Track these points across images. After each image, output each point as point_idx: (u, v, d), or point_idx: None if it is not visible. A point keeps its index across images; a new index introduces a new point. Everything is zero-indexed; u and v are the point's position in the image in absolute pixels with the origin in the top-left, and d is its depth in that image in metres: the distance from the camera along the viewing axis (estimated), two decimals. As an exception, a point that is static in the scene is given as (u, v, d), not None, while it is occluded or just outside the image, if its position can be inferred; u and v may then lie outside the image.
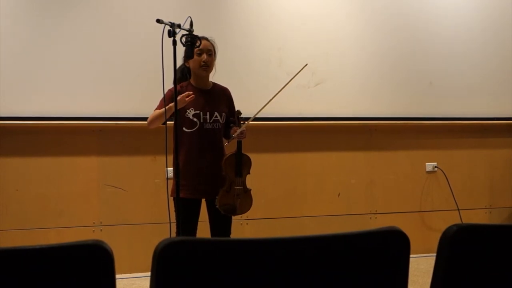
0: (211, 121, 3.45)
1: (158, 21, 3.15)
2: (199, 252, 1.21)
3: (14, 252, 1.18)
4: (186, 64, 3.52)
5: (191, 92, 3.32)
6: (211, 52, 3.47)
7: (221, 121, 3.49)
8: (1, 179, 4.40)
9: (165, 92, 3.34)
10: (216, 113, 3.47)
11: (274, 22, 4.90)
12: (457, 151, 5.40)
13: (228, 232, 3.53)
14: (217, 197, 3.41)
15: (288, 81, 3.56)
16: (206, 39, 3.48)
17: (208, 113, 3.45)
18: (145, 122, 3.50)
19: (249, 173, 3.51)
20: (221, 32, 4.58)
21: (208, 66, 3.45)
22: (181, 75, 3.53)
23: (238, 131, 3.41)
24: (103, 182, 4.58)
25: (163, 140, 3.25)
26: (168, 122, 3.33)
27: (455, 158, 5.39)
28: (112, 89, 4.55)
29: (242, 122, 3.51)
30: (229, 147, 3.57)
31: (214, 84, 3.58)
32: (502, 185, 5.51)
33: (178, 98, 3.24)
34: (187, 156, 3.40)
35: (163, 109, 3.30)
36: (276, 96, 3.49)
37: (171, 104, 3.25)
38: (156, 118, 3.40)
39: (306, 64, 3.62)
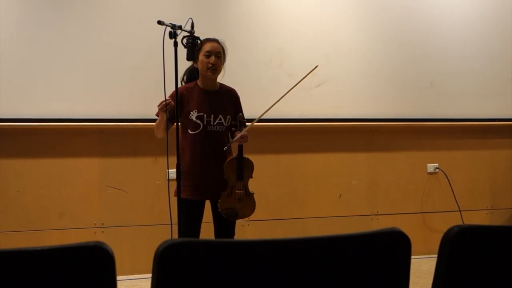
0: (215, 124, 3.43)
1: (159, 22, 3.15)
2: (200, 253, 1.21)
3: (15, 254, 1.18)
4: (195, 65, 3.50)
5: (169, 99, 3.30)
6: (219, 55, 3.45)
7: (225, 123, 3.47)
8: (2, 181, 4.40)
9: (169, 94, 3.34)
10: (220, 116, 3.45)
11: (275, 23, 4.90)
12: (458, 152, 5.40)
13: (232, 233, 3.53)
14: (219, 201, 3.40)
15: (296, 83, 3.51)
16: (217, 41, 3.48)
17: (212, 115, 3.43)
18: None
19: (251, 177, 3.47)
20: (221, 33, 4.56)
21: (215, 68, 3.43)
22: (190, 75, 3.53)
23: (239, 135, 3.39)
24: (104, 183, 4.58)
25: (164, 141, 3.25)
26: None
27: (457, 159, 5.38)
28: (113, 90, 4.55)
29: (244, 125, 3.48)
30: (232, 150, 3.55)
31: (221, 85, 3.55)
32: (504, 186, 5.50)
33: (159, 107, 3.30)
34: (191, 158, 3.40)
35: (158, 118, 3.40)
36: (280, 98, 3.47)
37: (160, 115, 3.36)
38: (156, 129, 3.46)
39: (317, 66, 3.54)
